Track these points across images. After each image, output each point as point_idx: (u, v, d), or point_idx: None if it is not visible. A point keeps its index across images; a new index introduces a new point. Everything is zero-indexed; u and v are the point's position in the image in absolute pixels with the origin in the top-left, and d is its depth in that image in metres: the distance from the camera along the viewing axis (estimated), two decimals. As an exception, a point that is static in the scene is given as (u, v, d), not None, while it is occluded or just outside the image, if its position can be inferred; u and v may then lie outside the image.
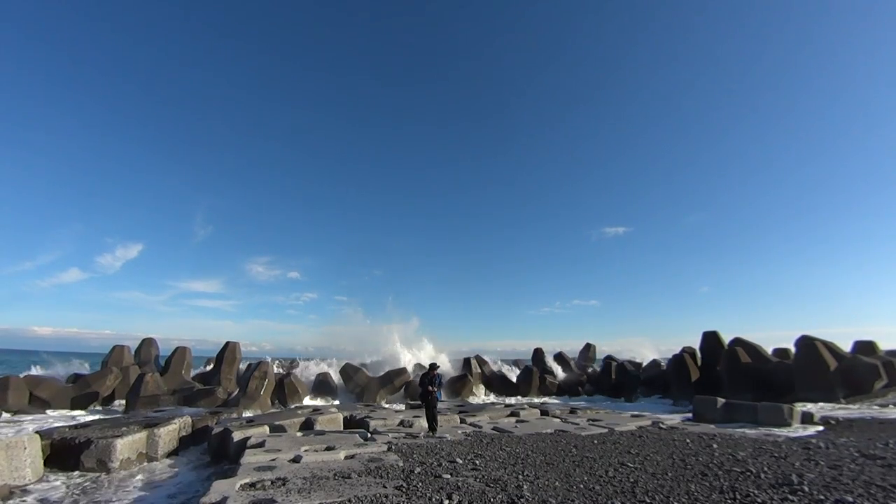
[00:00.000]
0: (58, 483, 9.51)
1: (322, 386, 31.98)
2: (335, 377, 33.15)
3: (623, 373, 35.49)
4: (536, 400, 30.45)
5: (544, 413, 17.31)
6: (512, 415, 16.63)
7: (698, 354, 31.48)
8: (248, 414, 19.96)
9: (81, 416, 21.40)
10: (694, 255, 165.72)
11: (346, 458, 9.20)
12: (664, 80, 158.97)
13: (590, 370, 39.93)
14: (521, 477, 7.83)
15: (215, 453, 12.06)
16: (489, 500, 6.46)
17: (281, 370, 32.86)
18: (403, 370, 33.66)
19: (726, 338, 30.20)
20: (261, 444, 10.36)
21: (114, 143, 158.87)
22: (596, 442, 11.50)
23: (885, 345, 27.59)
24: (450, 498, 6.54)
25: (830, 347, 24.85)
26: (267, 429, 12.50)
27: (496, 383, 34.71)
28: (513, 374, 36.75)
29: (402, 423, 13.99)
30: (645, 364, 37.19)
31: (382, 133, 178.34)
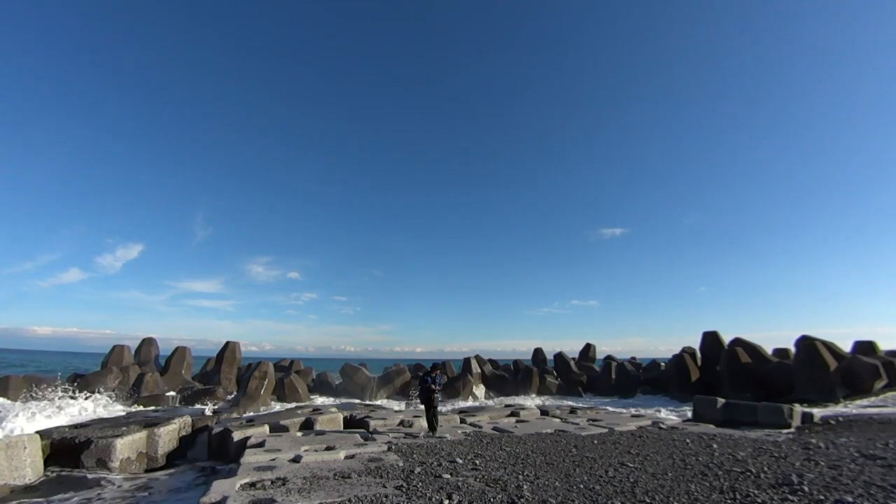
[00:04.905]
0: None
1: (322, 385, 32.01)
2: (335, 377, 33.19)
3: (623, 373, 35.46)
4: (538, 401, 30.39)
5: (544, 413, 17.30)
6: (512, 415, 16.61)
7: (698, 354, 31.49)
8: (248, 414, 19.95)
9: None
10: (691, 256, 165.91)
11: (346, 458, 9.20)
12: (662, 84, 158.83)
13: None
14: (521, 477, 7.83)
15: (215, 453, 12.06)
16: (489, 500, 6.46)
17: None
18: (403, 370, 33.65)
19: (726, 338, 30.26)
20: (261, 444, 10.36)
21: (114, 144, 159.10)
22: (596, 442, 11.50)
23: (885, 345, 27.73)
24: (450, 498, 6.53)
25: (830, 347, 24.85)
26: (267, 428, 12.49)
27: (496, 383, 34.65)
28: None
29: (402, 423, 13.98)
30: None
31: (383, 134, 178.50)
